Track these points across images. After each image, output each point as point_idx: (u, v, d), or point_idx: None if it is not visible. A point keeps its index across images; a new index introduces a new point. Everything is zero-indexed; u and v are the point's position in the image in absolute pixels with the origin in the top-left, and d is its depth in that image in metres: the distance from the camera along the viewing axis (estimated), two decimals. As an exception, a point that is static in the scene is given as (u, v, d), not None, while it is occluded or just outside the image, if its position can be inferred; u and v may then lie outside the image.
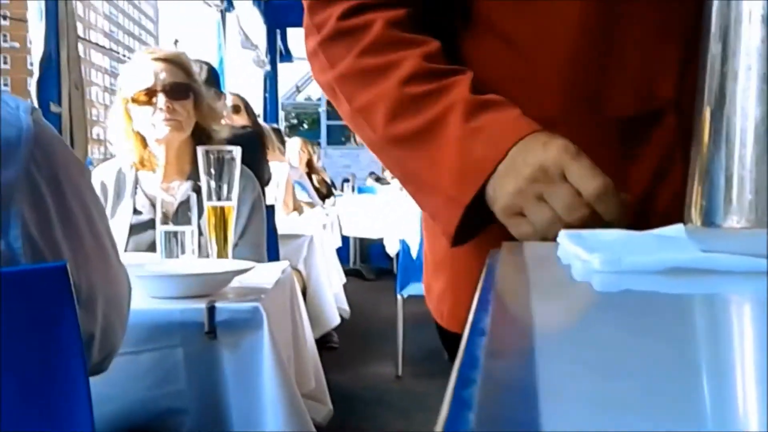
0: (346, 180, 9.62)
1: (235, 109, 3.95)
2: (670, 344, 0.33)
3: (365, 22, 0.91)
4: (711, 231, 0.50)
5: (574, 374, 0.28)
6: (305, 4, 0.97)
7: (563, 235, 0.58)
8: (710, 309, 0.44)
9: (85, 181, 1.03)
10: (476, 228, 0.86)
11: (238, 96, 4.15)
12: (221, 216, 1.75)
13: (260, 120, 7.45)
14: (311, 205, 5.16)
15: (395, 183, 9.00)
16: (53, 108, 2.66)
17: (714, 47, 0.51)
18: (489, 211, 0.83)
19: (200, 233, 1.84)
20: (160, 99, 2.05)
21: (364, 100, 0.90)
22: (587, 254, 0.49)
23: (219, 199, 1.75)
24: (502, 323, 0.35)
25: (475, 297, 0.41)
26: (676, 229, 0.57)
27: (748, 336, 0.37)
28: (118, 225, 2.06)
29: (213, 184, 1.75)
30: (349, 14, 0.92)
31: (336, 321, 3.79)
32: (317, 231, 3.92)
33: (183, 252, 1.70)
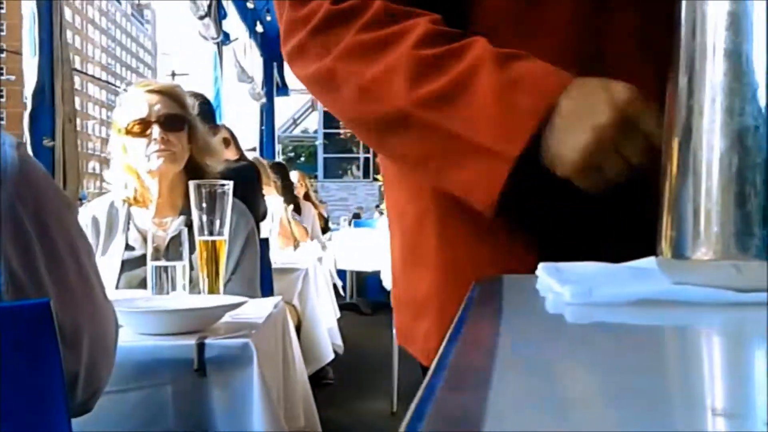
0: (356, 215, 9.59)
1: (225, 143, 3.95)
2: (628, 377, 0.33)
3: (362, 1, 0.87)
4: (680, 263, 0.51)
5: (529, 409, 0.29)
6: (286, 2, 0.92)
7: (541, 268, 0.58)
8: (677, 341, 0.44)
9: (72, 217, 1.02)
10: (518, 195, 0.79)
11: (226, 129, 4.12)
12: (213, 250, 1.74)
13: (257, 153, 7.50)
14: (305, 232, 5.10)
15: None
16: (46, 142, 2.65)
17: (681, 80, 0.53)
18: (535, 170, 0.77)
19: (192, 268, 1.82)
20: (155, 130, 2.04)
21: (374, 72, 0.84)
22: (560, 286, 0.49)
23: (211, 233, 1.74)
24: (467, 356, 0.35)
25: (448, 331, 0.41)
26: (649, 261, 0.57)
27: (713, 366, 0.37)
28: (110, 261, 2.05)
29: (205, 218, 1.74)
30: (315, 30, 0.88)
31: (330, 356, 3.76)
32: (312, 265, 3.90)
33: (173, 288, 1.69)
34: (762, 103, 0.49)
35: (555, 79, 0.77)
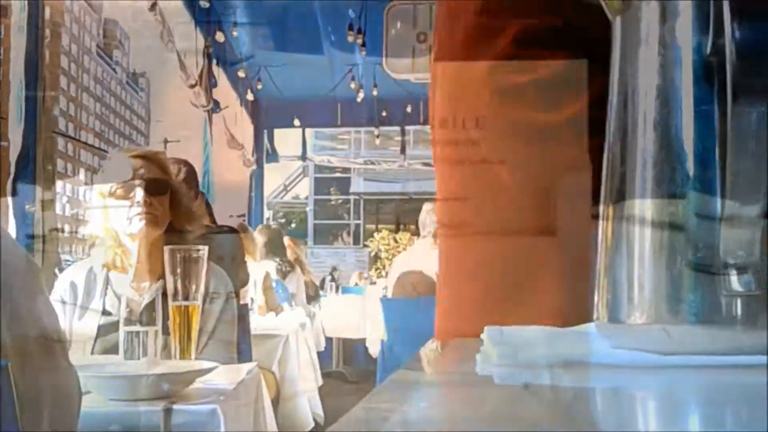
0: (373, 283, 9.51)
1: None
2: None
3: (536, 54, 0.96)
4: (615, 326, 0.52)
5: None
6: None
7: (486, 332, 0.58)
8: (592, 402, 0.45)
9: (37, 284, 1.02)
10: None
11: (202, 196, 4.08)
12: (185, 316, 1.73)
13: (244, 219, 7.49)
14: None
15: (380, 282, 8.97)
16: (28, 207, 2.66)
17: (613, 147, 0.54)
18: None
19: (168, 333, 1.81)
20: (138, 193, 2.05)
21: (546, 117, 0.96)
22: (492, 348, 0.50)
23: (185, 299, 1.73)
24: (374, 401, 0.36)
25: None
26: (590, 326, 0.58)
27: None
28: (87, 326, 2.03)
29: (179, 283, 1.73)
30: (521, 43, 0.98)
31: (310, 425, 3.70)
32: (294, 331, 3.87)
33: (145, 353, 1.67)
34: (689, 171, 0.50)
35: None
